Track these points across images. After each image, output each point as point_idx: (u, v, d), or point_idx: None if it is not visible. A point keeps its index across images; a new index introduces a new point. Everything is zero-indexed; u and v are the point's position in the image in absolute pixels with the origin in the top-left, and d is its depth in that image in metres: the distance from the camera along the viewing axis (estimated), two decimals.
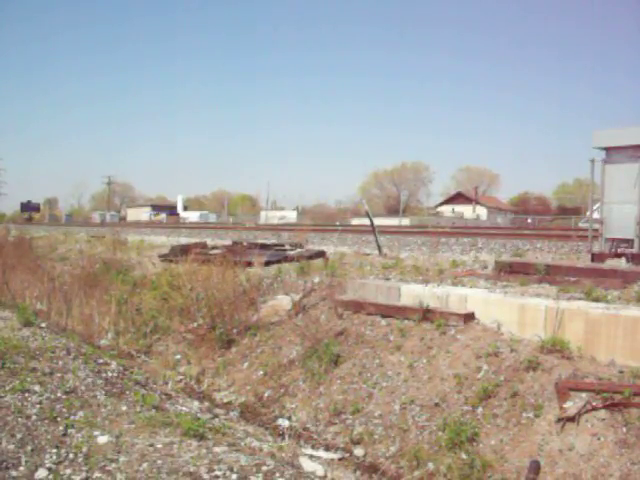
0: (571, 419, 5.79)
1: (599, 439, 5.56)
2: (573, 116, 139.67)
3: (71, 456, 4.66)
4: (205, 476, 4.47)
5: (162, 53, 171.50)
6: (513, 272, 9.70)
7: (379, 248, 13.72)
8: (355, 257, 13.05)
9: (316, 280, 11.01)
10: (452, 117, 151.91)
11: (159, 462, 4.64)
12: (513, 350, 7.01)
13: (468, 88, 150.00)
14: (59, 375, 6.43)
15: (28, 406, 5.46)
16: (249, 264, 12.51)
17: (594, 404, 5.77)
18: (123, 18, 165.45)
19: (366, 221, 22.19)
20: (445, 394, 6.93)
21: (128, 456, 4.73)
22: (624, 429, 5.54)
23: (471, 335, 7.59)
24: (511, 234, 18.35)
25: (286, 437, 6.77)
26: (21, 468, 4.42)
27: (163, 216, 75.93)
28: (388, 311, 8.73)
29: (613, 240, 11.22)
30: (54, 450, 4.72)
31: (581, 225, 32.74)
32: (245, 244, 16.01)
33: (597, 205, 11.74)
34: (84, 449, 4.78)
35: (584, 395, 5.91)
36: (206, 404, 7.99)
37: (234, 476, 4.52)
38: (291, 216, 64.59)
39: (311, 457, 6.23)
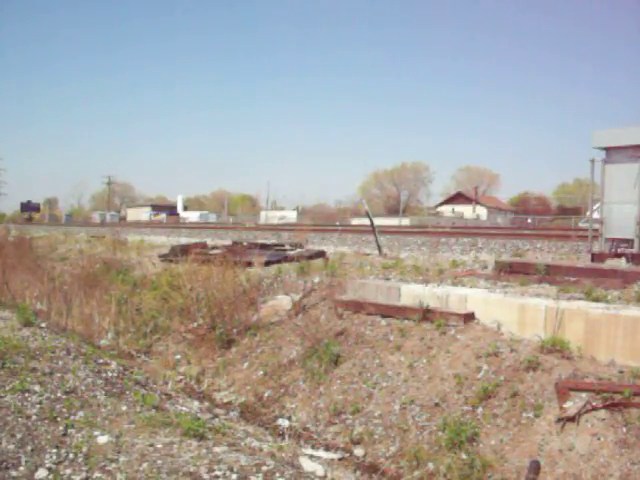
0: (571, 419, 5.79)
1: (599, 439, 5.56)
2: (573, 116, 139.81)
3: (71, 456, 4.66)
4: (205, 476, 4.47)
5: (162, 53, 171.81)
6: (513, 272, 9.70)
7: (379, 248, 13.72)
8: (355, 257, 13.05)
9: (316, 280, 11.01)
10: (452, 117, 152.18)
11: (159, 462, 4.64)
12: (513, 350, 7.01)
13: (468, 88, 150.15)
14: (59, 375, 6.43)
15: (28, 406, 5.46)
16: (249, 264, 12.51)
17: (594, 404, 5.77)
18: (123, 18, 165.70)
19: (366, 221, 22.19)
20: (445, 394, 6.93)
21: (128, 456, 4.73)
22: (624, 429, 5.54)
23: (471, 335, 7.59)
24: (511, 234, 18.35)
25: (286, 437, 6.78)
26: (21, 468, 4.42)
27: (163, 216, 75.93)
28: (388, 311, 8.73)
29: (613, 240, 11.23)
30: (54, 450, 4.72)
31: (581, 225, 32.75)
32: (245, 244, 16.02)
33: (597, 205, 11.74)
34: (84, 449, 4.78)
35: (584, 395, 5.91)
36: (206, 404, 7.99)
37: (234, 476, 4.52)
38: (291, 216, 64.58)
39: (311, 457, 6.23)
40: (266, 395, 8.48)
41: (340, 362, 8.27)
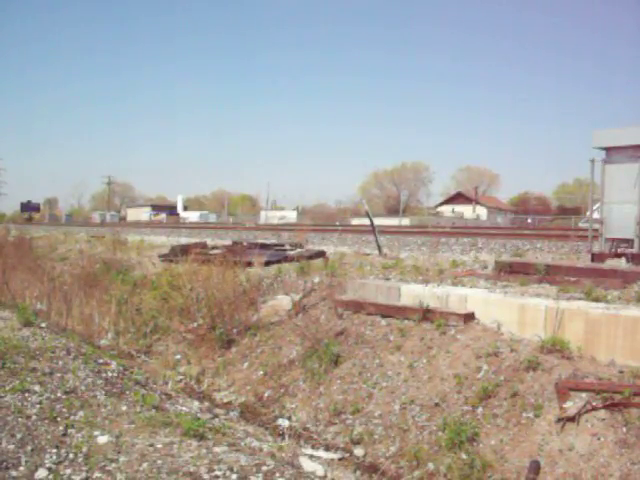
0: (571, 419, 5.79)
1: (599, 439, 5.56)
2: (573, 116, 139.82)
3: (71, 456, 4.66)
4: (205, 476, 4.47)
5: (162, 53, 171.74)
6: (513, 272, 9.70)
7: (379, 248, 13.72)
8: (355, 257, 13.05)
9: (316, 280, 11.01)
10: (452, 117, 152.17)
11: (159, 462, 4.64)
12: (513, 350, 7.01)
13: (468, 88, 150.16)
14: (59, 375, 6.43)
15: (28, 406, 5.46)
16: (249, 264, 12.51)
17: (594, 404, 5.77)
18: (123, 18, 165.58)
19: (366, 221, 22.19)
20: (445, 394, 6.93)
21: (128, 456, 4.73)
22: (624, 429, 5.54)
23: (471, 335, 7.59)
24: (511, 234, 18.35)
25: (286, 437, 6.78)
26: (21, 468, 4.42)
27: (163, 216, 75.93)
28: (388, 311, 8.72)
29: (613, 240, 11.22)
30: (54, 450, 4.72)
31: (581, 225, 32.75)
32: (245, 244, 16.01)
33: (597, 205, 11.74)
34: (84, 449, 4.78)
35: (584, 395, 5.91)
36: (206, 404, 7.99)
37: (234, 476, 4.52)
38: (291, 216, 64.59)
39: (311, 457, 6.23)
40: (266, 395, 8.48)
41: (340, 362, 8.27)
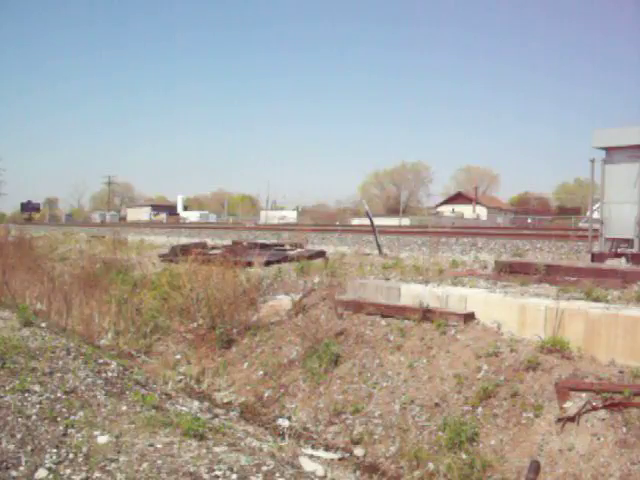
0: (571, 419, 5.79)
1: (599, 439, 5.56)
2: (573, 115, 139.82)
3: (71, 456, 4.66)
4: (205, 476, 4.47)
5: (162, 52, 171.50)
6: (513, 272, 9.70)
7: (379, 248, 13.72)
8: (355, 257, 13.05)
9: (316, 280, 11.01)
10: (452, 117, 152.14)
11: (159, 462, 4.64)
12: (513, 350, 7.01)
13: (468, 88, 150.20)
14: (59, 375, 6.43)
15: (28, 406, 5.46)
16: (249, 264, 12.51)
17: (594, 404, 5.77)
18: (122, 17, 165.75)
19: (366, 221, 22.20)
20: (445, 394, 6.93)
21: (128, 456, 4.73)
22: (624, 429, 5.54)
23: (471, 335, 7.59)
24: (511, 234, 18.35)
25: (286, 437, 6.78)
26: (21, 468, 4.42)
27: (163, 216, 75.98)
28: (388, 311, 8.72)
29: (613, 240, 11.23)
30: (54, 450, 4.72)
31: (581, 225, 32.75)
32: (245, 244, 16.02)
33: (597, 205, 11.74)
34: (84, 449, 4.78)
35: (584, 395, 5.91)
36: (206, 404, 7.99)
37: (234, 476, 4.52)
38: (291, 216, 64.60)
39: (311, 457, 6.23)
40: (266, 395, 8.48)
41: (340, 362, 8.26)
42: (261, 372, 8.99)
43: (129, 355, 10.30)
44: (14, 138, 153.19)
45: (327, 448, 6.92)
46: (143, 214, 79.38)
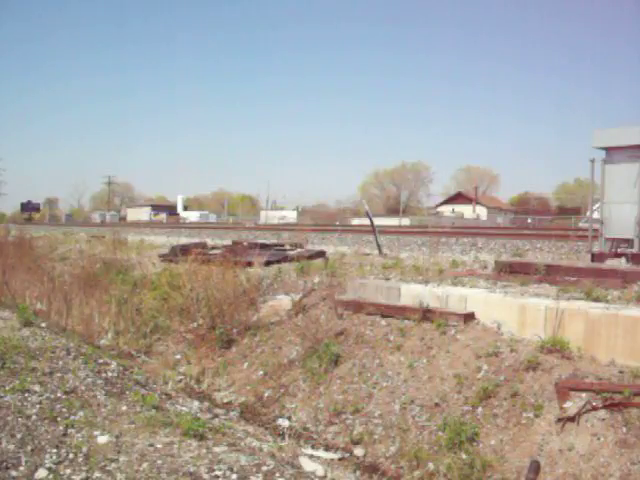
0: (571, 419, 5.79)
1: (599, 439, 5.56)
2: (573, 115, 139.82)
3: (71, 456, 4.66)
4: (205, 476, 4.47)
5: (162, 52, 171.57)
6: (513, 272, 9.70)
7: (379, 248, 13.72)
8: (355, 257, 13.05)
9: (316, 280, 11.01)
10: (452, 117, 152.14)
11: (159, 462, 4.64)
12: (513, 350, 7.01)
13: (468, 88, 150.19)
14: (59, 375, 6.43)
15: (28, 406, 5.46)
16: (249, 264, 12.51)
17: (594, 404, 5.77)
18: (122, 17, 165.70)
19: (366, 221, 22.20)
20: (445, 394, 6.93)
21: (128, 456, 4.73)
22: (624, 429, 5.54)
23: (471, 335, 7.59)
24: (511, 234, 18.35)
25: (286, 437, 6.78)
26: (21, 468, 4.42)
27: (163, 216, 76.00)
28: (388, 311, 8.72)
29: (613, 240, 11.23)
30: (54, 450, 4.72)
31: (581, 225, 32.75)
32: (245, 244, 16.01)
33: (597, 205, 11.74)
34: (84, 449, 4.78)
35: (584, 395, 5.91)
36: (206, 404, 7.99)
37: (234, 476, 4.52)
38: (291, 216, 64.60)
39: (311, 457, 6.23)
40: (266, 395, 8.48)
41: (340, 362, 8.26)
42: (261, 372, 8.99)
43: (129, 355, 10.30)
44: (14, 138, 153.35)
45: (327, 448, 6.92)
46: (143, 214, 79.37)
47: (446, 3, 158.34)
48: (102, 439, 5.00)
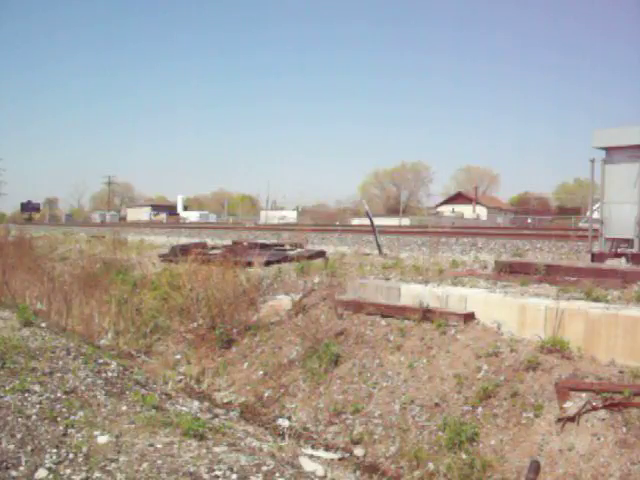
0: (571, 419, 5.80)
1: (599, 439, 5.56)
2: (573, 115, 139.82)
3: (71, 456, 4.66)
4: (205, 476, 4.47)
5: (162, 52, 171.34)
6: (513, 272, 9.70)
7: (379, 248, 13.72)
8: (355, 257, 13.05)
9: (316, 280, 11.00)
10: (452, 117, 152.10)
11: (159, 462, 4.64)
12: (513, 350, 7.02)
13: (468, 87, 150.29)
14: (59, 375, 6.43)
15: (28, 406, 5.46)
16: (249, 264, 12.51)
17: (594, 404, 5.77)
18: (122, 17, 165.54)
19: (366, 221, 22.21)
20: (445, 394, 6.93)
21: (128, 456, 4.73)
22: (624, 429, 5.54)
23: (471, 335, 7.59)
24: (511, 234, 18.35)
25: (286, 437, 6.77)
26: (21, 468, 4.42)
27: (163, 216, 76.00)
28: (388, 311, 8.72)
29: (613, 240, 11.22)
30: (54, 450, 4.72)
31: (581, 225, 32.75)
32: (245, 244, 16.00)
33: (597, 205, 11.74)
34: (84, 449, 4.78)
35: (584, 395, 5.91)
36: (206, 404, 7.99)
37: (234, 476, 4.52)
38: (291, 216, 64.60)
39: (311, 457, 6.22)
40: (266, 395, 8.48)
41: (340, 362, 8.26)
42: (261, 372, 8.99)
43: (129, 355, 10.30)
44: (14, 138, 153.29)
45: (327, 448, 6.92)
46: (143, 214, 79.37)
47: (446, 3, 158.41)
48: (102, 439, 5.00)
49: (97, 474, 4.41)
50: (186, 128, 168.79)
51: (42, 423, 5.17)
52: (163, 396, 7.09)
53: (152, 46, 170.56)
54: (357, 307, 9.15)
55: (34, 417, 5.25)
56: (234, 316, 10.30)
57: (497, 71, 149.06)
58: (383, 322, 8.67)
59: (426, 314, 8.13)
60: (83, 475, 4.39)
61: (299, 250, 14.27)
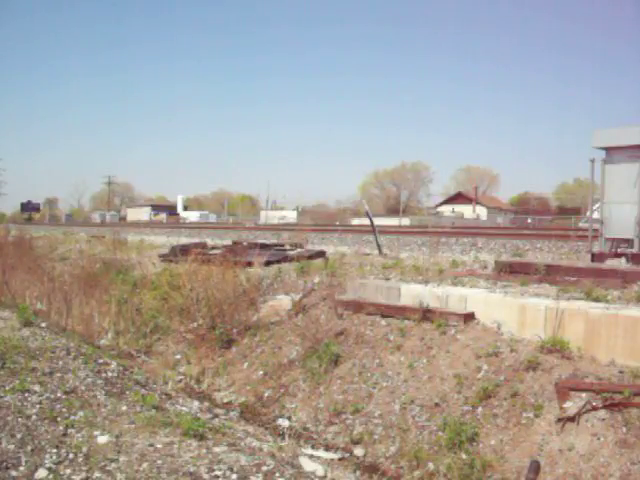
0: (571, 419, 5.80)
1: (599, 439, 5.56)
2: (573, 116, 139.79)
3: (71, 456, 4.66)
4: (205, 476, 4.47)
5: (162, 53, 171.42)
6: (513, 272, 9.70)
7: (379, 248, 13.72)
8: (355, 257, 13.05)
9: (316, 280, 11.00)
10: (452, 117, 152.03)
11: (159, 462, 4.64)
12: (513, 350, 7.02)
13: (468, 88, 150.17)
14: (59, 375, 6.43)
15: (28, 406, 5.46)
16: (249, 264, 12.51)
17: (594, 404, 5.77)
18: (122, 17, 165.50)
19: (366, 221, 22.20)
20: (445, 394, 6.93)
21: (128, 456, 4.73)
22: (624, 429, 5.54)
23: (471, 335, 7.59)
24: (511, 234, 18.34)
25: (286, 437, 6.77)
26: (21, 468, 4.42)
27: (163, 216, 75.98)
28: (388, 311, 8.73)
29: (613, 240, 11.22)
30: (54, 450, 4.72)
31: (581, 225, 32.75)
32: (245, 244, 16.01)
33: (597, 205, 11.74)
34: (84, 449, 4.78)
35: (584, 395, 5.91)
36: (206, 404, 7.99)
37: (234, 476, 4.52)
38: (291, 216, 64.59)
39: (311, 457, 6.22)
40: (266, 395, 8.48)
41: (340, 362, 8.27)
42: (261, 372, 8.99)
43: (129, 355, 10.30)
44: (14, 138, 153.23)
45: (327, 448, 6.93)
46: (143, 214, 79.34)
47: (446, 3, 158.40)
48: (102, 439, 5.00)
49: (97, 474, 4.41)
50: (186, 128, 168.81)
51: (42, 423, 5.17)
52: (163, 396, 7.09)
53: (152, 46, 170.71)
54: (357, 307, 9.15)
55: (34, 417, 5.25)
56: (234, 316, 10.30)
57: (497, 71, 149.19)
58: (383, 322, 8.67)
59: (426, 314, 8.13)
60: (83, 475, 4.39)
61: (299, 250, 14.27)
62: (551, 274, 9.21)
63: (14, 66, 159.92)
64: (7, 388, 5.79)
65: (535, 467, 5.48)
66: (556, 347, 6.68)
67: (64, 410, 5.50)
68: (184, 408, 6.81)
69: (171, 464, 4.61)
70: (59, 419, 5.29)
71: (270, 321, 10.18)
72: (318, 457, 6.40)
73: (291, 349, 9.18)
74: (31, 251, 19.38)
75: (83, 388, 6.18)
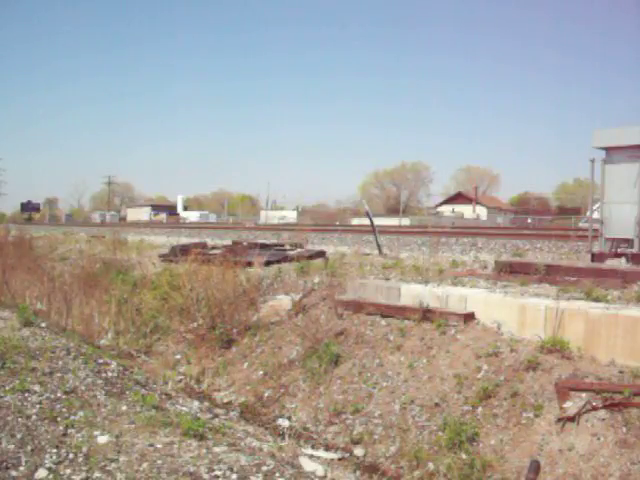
0: (571, 419, 5.79)
1: (599, 439, 5.56)
2: (573, 116, 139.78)
3: (71, 456, 4.66)
4: (205, 476, 4.47)
5: (162, 53, 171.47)
6: (513, 272, 9.70)
7: (379, 248, 13.72)
8: (355, 257, 13.05)
9: (316, 280, 11.00)
10: (452, 117, 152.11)
11: (159, 462, 4.64)
12: (513, 350, 7.02)
13: (468, 88, 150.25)
14: (59, 375, 6.43)
15: (28, 406, 5.46)
16: (249, 264, 12.51)
17: (594, 404, 5.77)
18: (123, 18, 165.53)
19: (366, 221, 22.21)
20: (445, 394, 6.93)
21: (128, 456, 4.73)
22: (624, 429, 5.54)
23: (471, 335, 7.59)
24: (511, 234, 18.35)
25: (286, 437, 6.77)
26: (21, 468, 4.42)
27: (163, 216, 75.99)
28: (388, 311, 8.72)
29: (613, 240, 11.22)
30: (54, 450, 4.72)
31: (581, 225, 32.76)
32: (245, 244, 16.00)
33: (597, 205, 11.74)
34: (84, 449, 4.78)
35: (584, 395, 5.91)
36: (206, 404, 7.99)
37: (234, 476, 4.52)
38: (291, 216, 64.61)
39: (311, 457, 6.22)
40: (266, 395, 8.48)
41: (340, 362, 8.26)
42: (261, 372, 8.99)
43: (129, 355, 10.29)
44: (14, 138, 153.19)
45: (327, 448, 6.92)
46: (143, 214, 79.35)
47: (446, 3, 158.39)
48: (102, 439, 5.00)
49: (97, 474, 4.41)
50: (186, 128, 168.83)
51: (42, 423, 5.17)
52: (163, 396, 7.09)
53: (152, 46, 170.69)
54: (357, 307, 9.15)
55: (34, 417, 5.26)
56: (234, 316, 10.30)
57: (497, 71, 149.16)
58: (383, 322, 8.67)
59: (426, 314, 8.13)
60: (83, 475, 4.39)
61: (299, 250, 14.27)
62: (551, 274, 9.21)
63: (14, 66, 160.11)
64: (7, 388, 5.79)
65: (535, 467, 5.48)
66: (556, 347, 6.68)
67: (64, 410, 5.50)
68: (184, 408, 6.81)
69: (171, 464, 4.61)
70: (59, 419, 5.30)
71: (270, 321, 10.18)
72: (318, 457, 6.40)
73: (291, 349, 9.18)
74: (31, 251, 19.38)
75: (83, 388, 6.18)
